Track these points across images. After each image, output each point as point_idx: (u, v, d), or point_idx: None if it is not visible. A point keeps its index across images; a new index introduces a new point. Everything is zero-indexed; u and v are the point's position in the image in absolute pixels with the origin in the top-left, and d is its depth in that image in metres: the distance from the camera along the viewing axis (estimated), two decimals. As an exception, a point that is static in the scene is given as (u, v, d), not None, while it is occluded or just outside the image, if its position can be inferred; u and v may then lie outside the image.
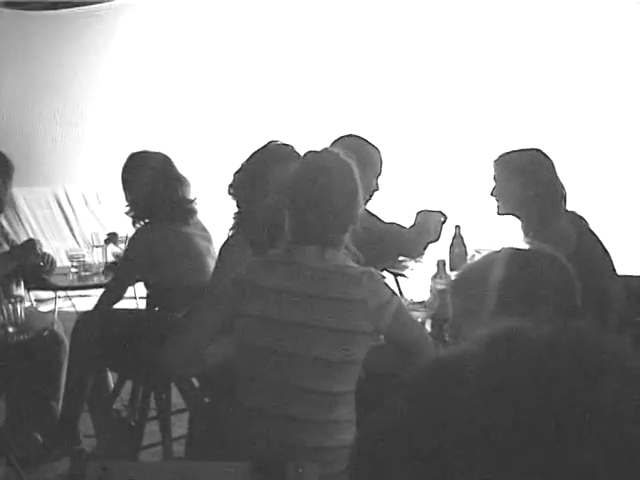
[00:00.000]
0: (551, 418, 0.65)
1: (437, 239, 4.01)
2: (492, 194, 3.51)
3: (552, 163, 3.43)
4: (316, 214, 2.42)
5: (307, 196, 2.43)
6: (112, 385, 3.99)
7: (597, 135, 7.21)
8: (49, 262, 4.13)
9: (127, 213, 3.89)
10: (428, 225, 3.95)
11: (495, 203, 3.53)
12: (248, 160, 3.21)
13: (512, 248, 1.81)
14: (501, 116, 7.31)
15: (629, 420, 0.66)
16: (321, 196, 2.41)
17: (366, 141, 3.86)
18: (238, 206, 3.21)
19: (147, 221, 3.85)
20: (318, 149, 2.54)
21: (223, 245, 3.22)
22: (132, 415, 3.84)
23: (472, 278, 1.77)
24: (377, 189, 3.89)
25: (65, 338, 3.96)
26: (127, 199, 3.91)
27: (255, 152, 3.21)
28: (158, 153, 3.97)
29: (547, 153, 3.46)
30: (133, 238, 3.87)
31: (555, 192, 3.41)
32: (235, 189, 3.19)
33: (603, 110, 7.16)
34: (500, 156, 3.49)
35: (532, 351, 0.70)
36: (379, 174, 3.89)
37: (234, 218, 3.22)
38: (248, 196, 3.13)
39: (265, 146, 3.20)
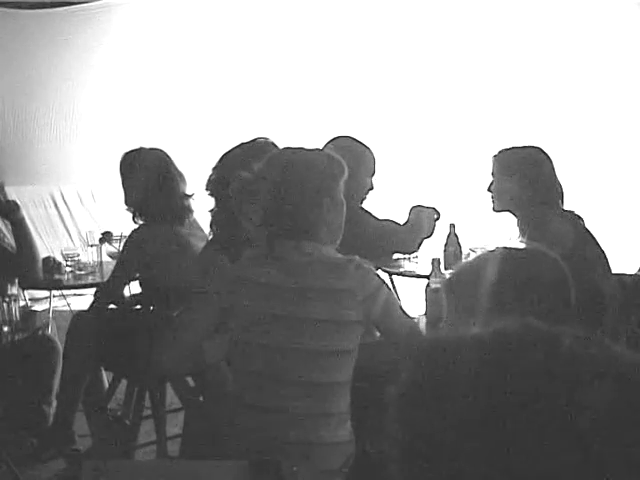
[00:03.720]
0: (548, 416, 0.65)
1: (430, 235, 4.02)
2: (489, 189, 3.51)
3: (551, 162, 3.43)
4: (285, 208, 2.45)
5: (280, 191, 2.46)
6: (107, 384, 3.99)
7: (595, 135, 7.21)
8: (56, 265, 4.30)
9: (128, 209, 3.91)
10: (421, 221, 3.96)
11: (490, 200, 3.53)
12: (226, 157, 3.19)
13: (506, 247, 1.81)
14: (497, 115, 7.30)
15: (624, 421, 0.66)
16: (293, 190, 2.44)
17: (358, 141, 3.87)
18: (216, 201, 3.18)
19: (143, 220, 3.85)
20: (281, 148, 2.59)
21: (202, 251, 3.21)
22: (127, 414, 3.84)
23: (466, 277, 1.77)
24: (372, 188, 3.90)
25: (58, 342, 3.96)
26: (125, 197, 3.92)
27: (236, 147, 3.18)
28: (154, 150, 3.95)
29: (547, 151, 3.46)
30: (129, 238, 3.87)
31: (552, 191, 3.41)
32: (212, 186, 3.17)
33: (602, 110, 7.16)
34: (500, 152, 3.49)
35: (535, 349, 0.70)
36: (373, 173, 3.90)
37: (211, 212, 3.19)
38: (224, 193, 3.10)
39: (250, 142, 3.18)
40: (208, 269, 3.04)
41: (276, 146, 3.07)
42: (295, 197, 2.44)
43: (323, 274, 2.41)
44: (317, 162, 2.51)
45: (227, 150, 3.18)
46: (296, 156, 2.53)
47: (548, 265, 1.75)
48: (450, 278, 1.86)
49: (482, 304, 1.64)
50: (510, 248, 1.82)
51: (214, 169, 3.17)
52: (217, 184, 3.13)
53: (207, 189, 3.17)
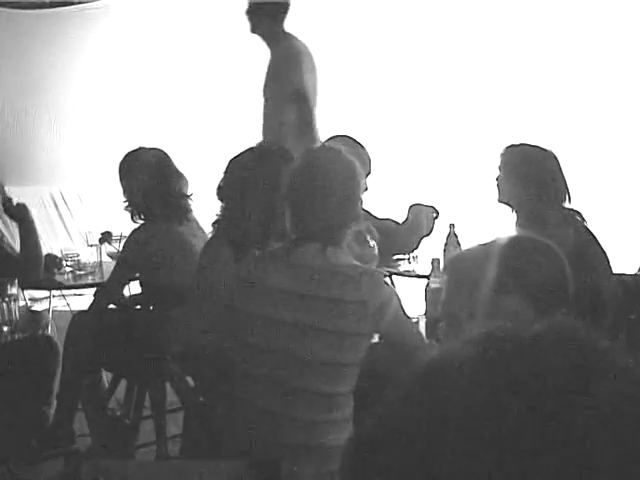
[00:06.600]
0: (543, 418, 0.65)
1: (429, 234, 4.02)
2: (497, 179, 3.52)
3: (556, 160, 3.42)
4: (317, 211, 2.40)
5: (308, 193, 2.42)
6: (107, 384, 3.99)
7: (596, 134, 7.20)
8: (57, 261, 4.32)
9: (126, 209, 3.91)
10: (420, 220, 3.97)
11: (496, 189, 3.53)
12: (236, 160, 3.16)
13: (507, 236, 1.84)
14: (498, 114, 7.30)
15: (621, 419, 0.66)
16: (322, 193, 2.40)
17: (355, 141, 3.87)
18: (225, 205, 3.16)
19: (143, 220, 3.85)
20: (318, 146, 2.52)
21: (206, 244, 3.20)
22: (127, 414, 3.84)
23: (466, 260, 1.80)
24: (366, 189, 3.89)
25: (58, 342, 3.95)
26: (125, 197, 3.92)
27: (246, 151, 3.16)
28: (154, 150, 3.95)
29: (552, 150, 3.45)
30: (129, 238, 3.87)
31: (554, 190, 3.40)
32: (223, 192, 3.14)
33: (603, 109, 7.15)
34: (505, 148, 3.49)
35: (525, 351, 0.70)
36: (368, 174, 3.90)
37: (218, 215, 3.17)
38: (237, 194, 3.08)
39: (260, 145, 3.16)
40: (211, 262, 3.02)
41: (288, 151, 3.03)
42: (332, 200, 2.39)
43: (337, 284, 2.36)
44: (354, 166, 2.45)
45: (236, 155, 3.15)
46: (335, 158, 2.46)
47: (547, 252, 1.77)
48: (450, 261, 1.89)
49: (481, 286, 1.67)
50: (510, 235, 1.87)
51: (225, 173, 3.13)
52: (227, 189, 3.09)
53: (218, 194, 3.13)
